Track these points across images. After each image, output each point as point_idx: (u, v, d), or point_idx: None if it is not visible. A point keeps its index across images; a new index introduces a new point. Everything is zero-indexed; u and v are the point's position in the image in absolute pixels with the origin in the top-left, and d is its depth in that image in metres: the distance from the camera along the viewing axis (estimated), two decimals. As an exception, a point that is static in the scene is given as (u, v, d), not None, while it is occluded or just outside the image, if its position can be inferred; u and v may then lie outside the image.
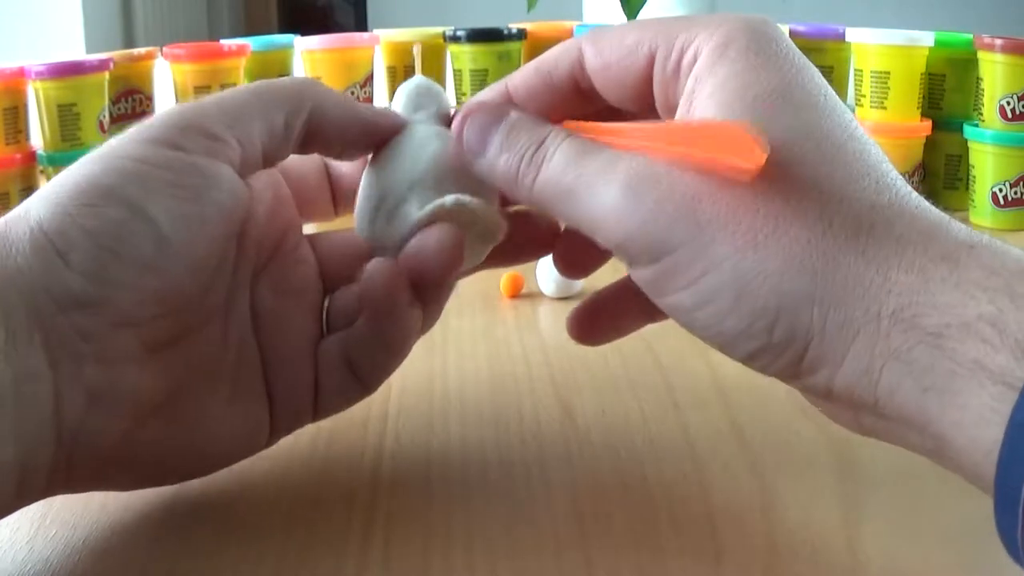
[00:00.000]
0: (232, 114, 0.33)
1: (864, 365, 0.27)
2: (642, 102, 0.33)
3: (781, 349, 0.28)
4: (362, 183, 0.35)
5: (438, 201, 0.33)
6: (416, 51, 0.39)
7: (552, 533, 0.32)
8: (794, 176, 0.29)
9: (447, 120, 0.36)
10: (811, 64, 0.32)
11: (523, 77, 0.35)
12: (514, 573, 0.30)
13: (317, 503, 0.35)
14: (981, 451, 0.25)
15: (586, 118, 0.34)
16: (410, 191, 0.34)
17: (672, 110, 0.32)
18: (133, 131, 0.32)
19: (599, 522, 0.33)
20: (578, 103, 0.35)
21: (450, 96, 0.81)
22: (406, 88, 0.37)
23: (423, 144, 0.34)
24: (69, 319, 0.29)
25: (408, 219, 0.33)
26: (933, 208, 0.29)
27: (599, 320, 0.37)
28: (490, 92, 0.35)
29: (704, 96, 0.31)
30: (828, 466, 0.36)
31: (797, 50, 0.32)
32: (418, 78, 0.37)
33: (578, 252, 0.36)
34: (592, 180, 0.30)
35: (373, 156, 0.35)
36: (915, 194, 0.30)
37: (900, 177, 0.30)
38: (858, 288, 0.27)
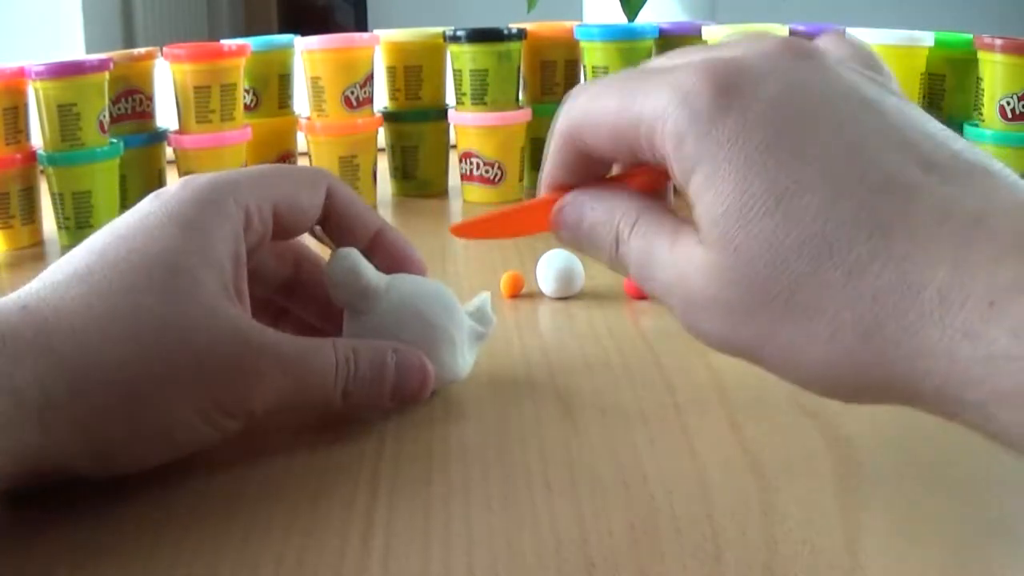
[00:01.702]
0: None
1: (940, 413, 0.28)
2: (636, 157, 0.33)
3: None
4: (402, 318, 0.41)
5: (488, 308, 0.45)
6: (319, 232, 0.43)
7: (552, 533, 0.32)
8: (789, 299, 0.29)
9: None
10: (778, 104, 0.29)
11: (553, 174, 0.35)
12: (514, 573, 0.30)
13: (317, 503, 0.35)
14: None
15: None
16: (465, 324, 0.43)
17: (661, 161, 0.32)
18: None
19: (599, 522, 0.33)
20: (606, 164, 0.35)
21: (450, 96, 0.81)
22: (356, 258, 0.40)
23: (433, 284, 0.43)
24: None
25: (486, 331, 0.44)
26: (952, 223, 0.28)
27: None
28: (543, 182, 0.36)
29: (699, 203, 0.30)
30: (828, 466, 0.36)
31: (751, 105, 0.29)
32: (346, 251, 0.41)
33: None
34: (643, 267, 0.32)
35: (403, 298, 0.41)
36: (926, 203, 0.28)
37: (914, 188, 0.28)
38: (895, 381, 0.28)
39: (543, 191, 0.35)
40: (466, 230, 0.38)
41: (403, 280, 0.42)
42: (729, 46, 0.32)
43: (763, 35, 0.32)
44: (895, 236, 0.28)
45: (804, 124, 0.29)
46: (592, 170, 0.34)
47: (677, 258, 0.31)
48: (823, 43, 0.34)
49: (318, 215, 0.41)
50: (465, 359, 0.42)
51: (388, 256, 0.42)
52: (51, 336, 0.33)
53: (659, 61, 0.33)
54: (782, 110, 0.29)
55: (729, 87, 0.30)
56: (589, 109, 0.33)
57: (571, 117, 0.34)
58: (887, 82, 0.33)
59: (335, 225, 0.42)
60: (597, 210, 0.34)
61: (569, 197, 0.34)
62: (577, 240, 0.34)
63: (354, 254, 0.40)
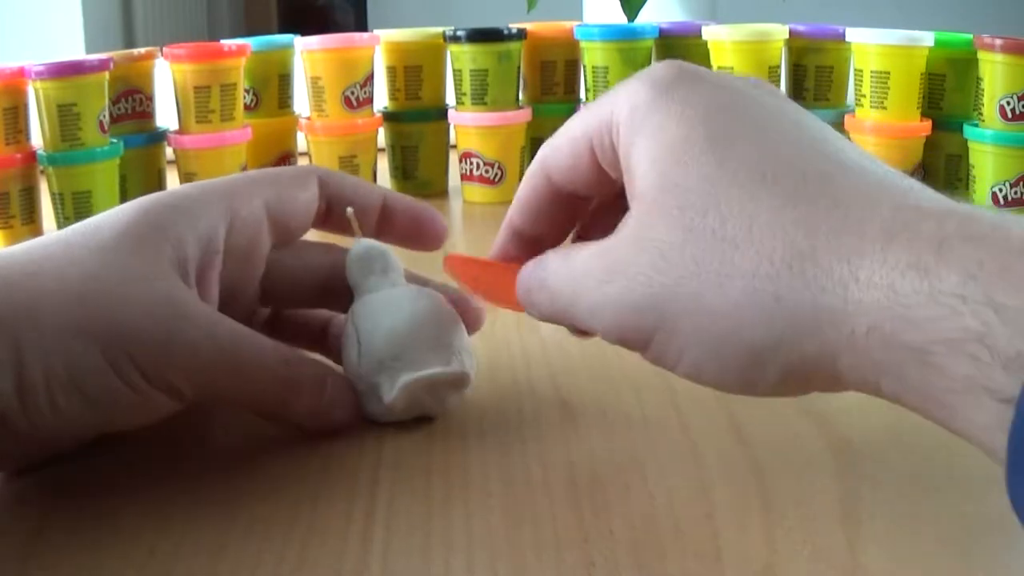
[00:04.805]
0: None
1: (860, 378, 0.27)
2: (608, 184, 0.35)
3: (785, 386, 0.29)
4: (344, 339, 0.39)
5: (400, 383, 0.38)
6: (350, 213, 0.41)
7: (552, 533, 0.32)
8: (719, 229, 0.29)
9: (403, 275, 0.41)
10: (723, 84, 0.32)
11: (516, 216, 0.38)
12: (514, 573, 0.30)
13: (317, 503, 0.34)
14: (999, 454, 0.25)
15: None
16: (379, 372, 0.38)
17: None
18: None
19: (599, 522, 0.33)
20: (577, 207, 0.38)
21: (450, 96, 0.81)
22: (356, 252, 0.41)
23: (394, 312, 0.39)
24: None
25: (383, 399, 0.38)
26: (888, 184, 0.28)
27: None
28: (498, 240, 0.39)
29: (631, 177, 0.32)
30: (828, 466, 0.36)
31: (710, 81, 0.32)
32: (364, 241, 0.41)
33: None
34: (571, 300, 0.34)
35: (354, 313, 0.40)
36: (863, 168, 0.29)
37: (845, 154, 0.30)
38: (821, 315, 0.27)
39: (502, 234, 0.39)
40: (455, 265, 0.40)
41: (383, 300, 0.40)
42: None
43: None
44: (834, 179, 0.29)
45: (747, 100, 0.32)
46: (550, 210, 0.37)
47: (592, 247, 0.33)
48: None
49: (314, 207, 0.41)
50: (380, 405, 0.38)
51: (400, 226, 0.42)
52: None
53: None
54: (729, 88, 0.32)
55: (684, 70, 0.33)
56: (560, 130, 0.36)
57: (543, 146, 0.37)
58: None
59: (337, 210, 0.42)
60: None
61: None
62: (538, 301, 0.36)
63: (359, 248, 0.41)
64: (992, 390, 0.24)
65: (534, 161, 0.37)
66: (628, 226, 0.32)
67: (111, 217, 0.36)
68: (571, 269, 0.34)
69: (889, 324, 0.26)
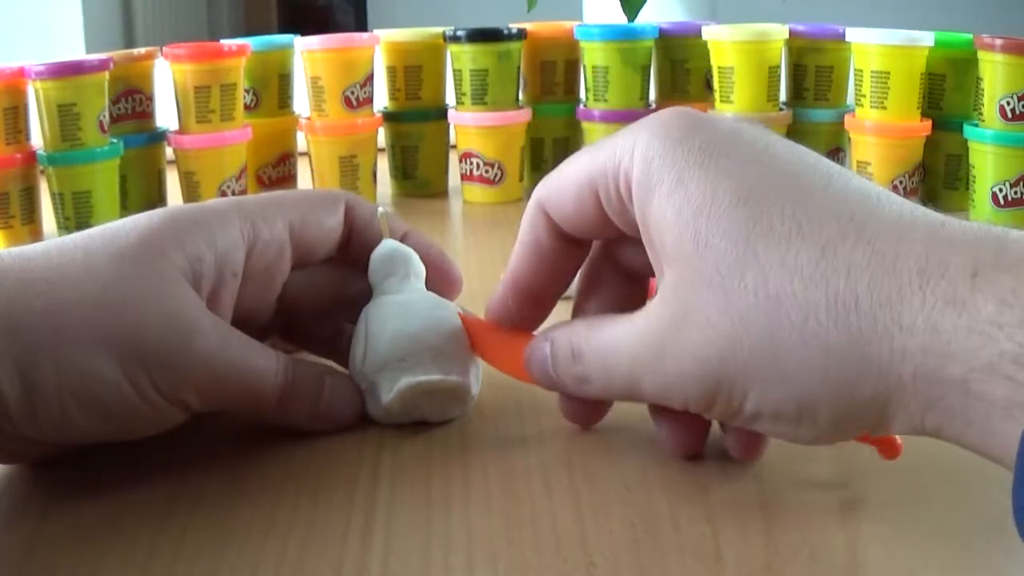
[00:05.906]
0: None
1: (907, 418, 0.28)
2: (613, 229, 0.35)
3: (836, 434, 0.31)
4: (354, 337, 0.40)
5: (399, 386, 0.38)
6: (382, 213, 0.42)
7: (552, 533, 0.32)
8: (760, 288, 0.29)
9: (423, 277, 0.41)
10: (738, 131, 0.32)
11: (519, 263, 0.38)
12: (514, 573, 0.30)
13: (316, 503, 0.35)
14: None
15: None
16: (380, 372, 0.39)
17: (633, 228, 0.34)
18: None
19: (599, 522, 0.33)
20: (580, 250, 0.38)
21: (450, 96, 0.81)
22: (380, 252, 0.40)
23: (405, 315, 0.39)
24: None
25: (380, 399, 0.39)
26: (919, 221, 0.29)
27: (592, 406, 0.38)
28: (498, 292, 0.39)
29: (657, 235, 0.32)
30: (828, 466, 0.36)
31: (722, 129, 0.32)
32: (390, 243, 0.41)
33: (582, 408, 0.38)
34: (614, 379, 0.34)
35: (367, 313, 0.40)
36: (893, 208, 0.30)
37: (872, 193, 0.30)
38: (869, 366, 0.28)
39: (506, 281, 0.39)
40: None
41: (397, 302, 0.40)
42: None
43: None
44: (866, 223, 0.29)
45: (767, 145, 0.32)
46: (555, 253, 0.37)
47: (635, 319, 0.33)
48: None
49: (339, 233, 0.41)
50: (379, 406, 0.39)
51: None
52: (6, 275, 0.34)
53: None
54: (745, 134, 0.32)
55: (696, 118, 0.32)
56: (559, 172, 0.36)
57: (540, 188, 0.36)
58: None
59: (358, 238, 0.41)
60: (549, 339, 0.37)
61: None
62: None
63: (385, 248, 0.40)
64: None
65: (531, 205, 0.37)
66: (668, 297, 0.32)
67: (133, 222, 0.36)
68: (616, 353, 0.34)
69: (932, 363, 0.27)
